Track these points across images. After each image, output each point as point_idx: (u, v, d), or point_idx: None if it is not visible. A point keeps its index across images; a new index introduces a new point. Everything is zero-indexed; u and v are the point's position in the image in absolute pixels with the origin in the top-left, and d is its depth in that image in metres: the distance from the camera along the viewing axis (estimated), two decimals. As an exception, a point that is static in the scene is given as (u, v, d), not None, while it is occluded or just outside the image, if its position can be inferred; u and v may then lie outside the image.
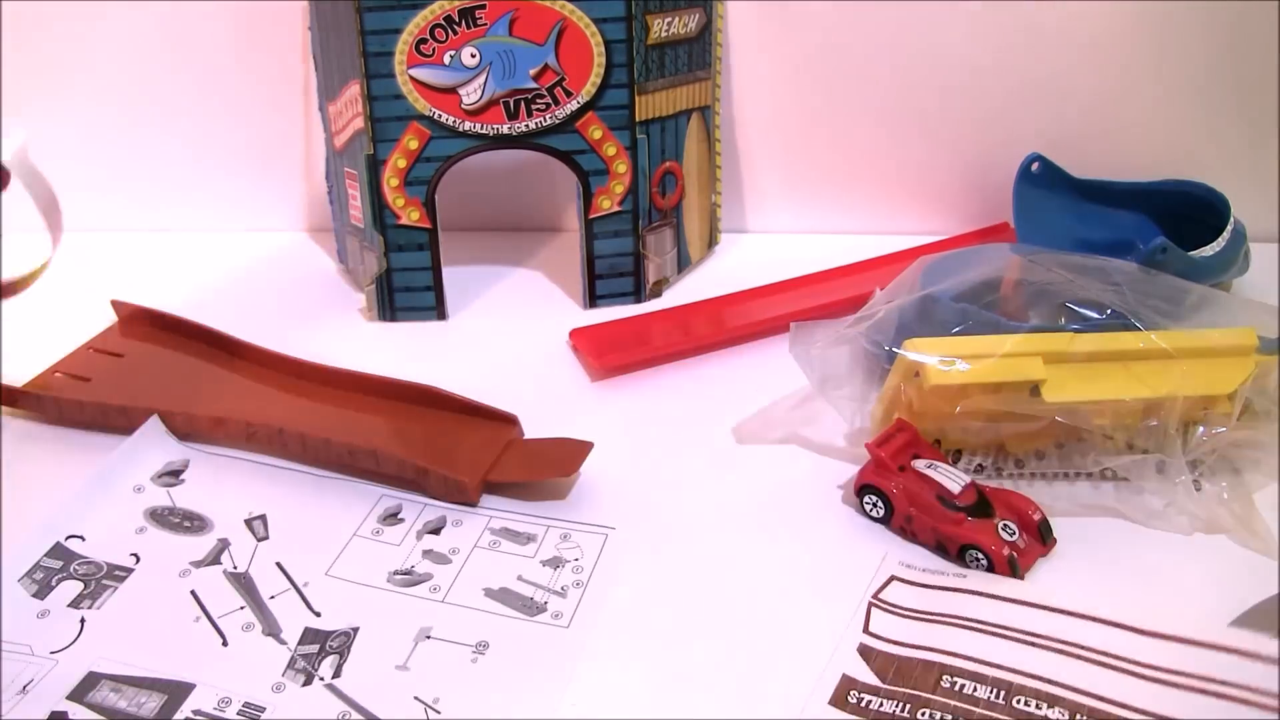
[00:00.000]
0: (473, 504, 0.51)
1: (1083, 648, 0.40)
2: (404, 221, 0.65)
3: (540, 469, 0.51)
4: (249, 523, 0.50)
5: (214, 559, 0.48)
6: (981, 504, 0.47)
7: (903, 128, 0.76)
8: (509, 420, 0.54)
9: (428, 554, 0.48)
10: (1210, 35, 0.69)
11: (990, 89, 0.73)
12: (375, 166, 0.64)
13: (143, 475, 0.53)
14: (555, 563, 0.48)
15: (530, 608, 0.45)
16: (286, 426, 0.53)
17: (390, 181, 0.64)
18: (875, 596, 0.44)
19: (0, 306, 0.58)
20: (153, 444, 0.54)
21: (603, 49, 0.62)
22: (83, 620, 0.44)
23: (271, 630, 0.44)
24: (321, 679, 0.42)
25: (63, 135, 0.78)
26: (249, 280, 0.73)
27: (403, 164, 0.64)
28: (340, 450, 0.52)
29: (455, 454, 0.52)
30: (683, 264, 0.72)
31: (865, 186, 0.78)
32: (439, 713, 0.40)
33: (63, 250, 0.78)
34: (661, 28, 0.65)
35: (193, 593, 0.46)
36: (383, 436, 0.54)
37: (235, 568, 0.48)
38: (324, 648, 0.43)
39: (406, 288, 0.67)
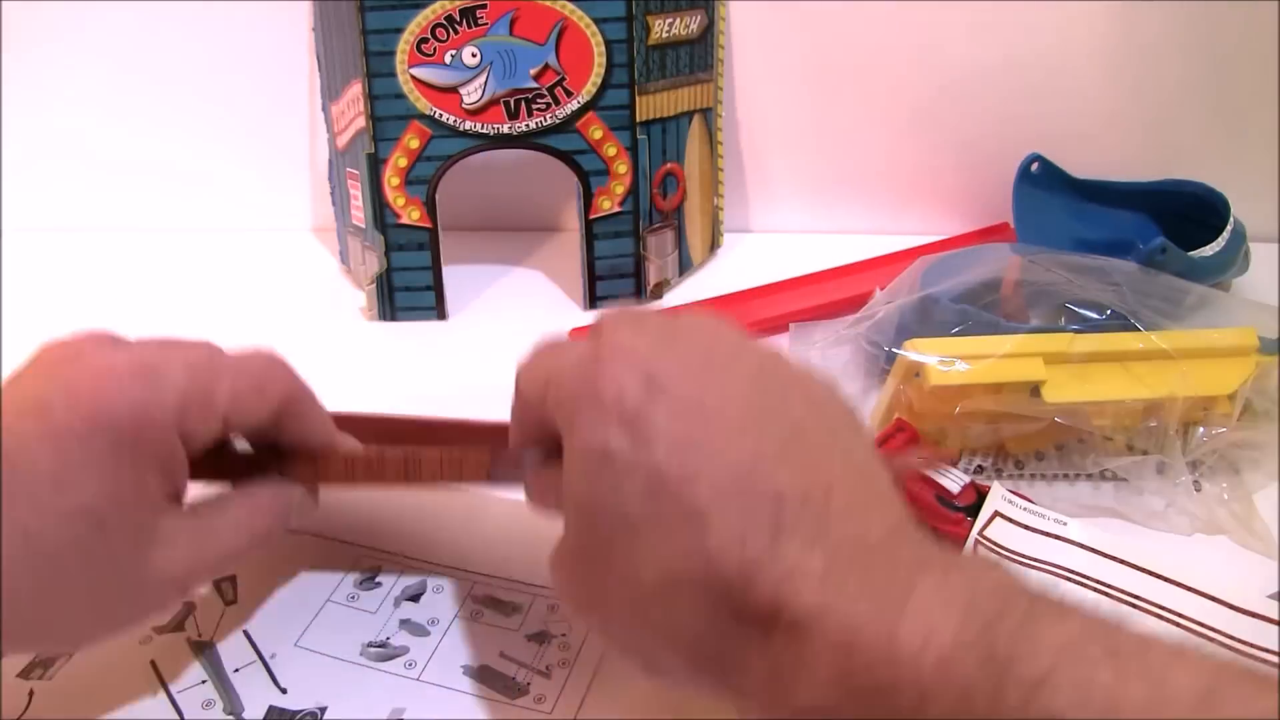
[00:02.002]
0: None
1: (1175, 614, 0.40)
2: (404, 221, 0.66)
3: None
4: (218, 585, 0.46)
5: (177, 625, 0.44)
6: (981, 504, 0.47)
7: (904, 128, 0.76)
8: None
9: (404, 624, 0.45)
10: (1211, 34, 0.70)
11: (992, 89, 0.73)
12: (376, 166, 0.64)
13: None
14: (541, 638, 0.44)
15: (511, 689, 0.42)
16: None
17: (391, 181, 0.64)
18: (981, 534, 0.44)
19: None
20: None
21: (603, 49, 0.62)
22: (31, 692, 0.40)
23: (233, 709, 0.41)
24: None
25: (63, 134, 0.79)
26: (250, 279, 0.73)
27: (403, 163, 0.64)
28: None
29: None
30: (684, 266, 0.72)
31: (868, 187, 0.78)
32: None
33: (63, 250, 0.79)
34: (663, 28, 0.65)
35: (152, 663, 0.42)
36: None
37: (199, 635, 0.44)
38: None
39: (407, 287, 0.67)
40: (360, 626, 0.44)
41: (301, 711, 0.41)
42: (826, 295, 0.68)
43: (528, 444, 0.37)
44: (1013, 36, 0.71)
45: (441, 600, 0.46)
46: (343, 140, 0.69)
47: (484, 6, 0.61)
